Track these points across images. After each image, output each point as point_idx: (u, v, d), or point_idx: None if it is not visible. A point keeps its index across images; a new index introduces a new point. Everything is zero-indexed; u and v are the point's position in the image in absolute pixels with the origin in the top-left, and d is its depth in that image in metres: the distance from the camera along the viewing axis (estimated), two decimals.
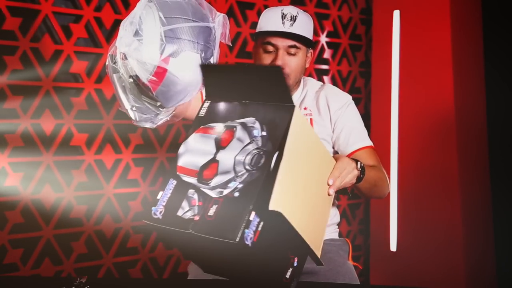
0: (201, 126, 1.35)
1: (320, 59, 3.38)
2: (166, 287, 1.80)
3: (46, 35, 2.52)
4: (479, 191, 3.12)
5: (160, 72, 1.30)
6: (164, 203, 1.27)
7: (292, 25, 1.83)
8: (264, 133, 1.29)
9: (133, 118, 1.39)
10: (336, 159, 1.48)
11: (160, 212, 1.26)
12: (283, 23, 1.83)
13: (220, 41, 1.43)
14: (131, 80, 1.33)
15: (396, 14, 3.27)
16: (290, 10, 1.86)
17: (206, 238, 1.20)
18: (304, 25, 1.86)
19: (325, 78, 3.37)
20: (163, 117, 1.40)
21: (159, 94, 1.33)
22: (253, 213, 1.19)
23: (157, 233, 1.34)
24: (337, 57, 3.42)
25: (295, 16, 1.84)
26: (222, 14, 1.41)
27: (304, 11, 1.91)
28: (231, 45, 1.47)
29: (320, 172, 1.41)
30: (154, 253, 2.84)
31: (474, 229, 3.06)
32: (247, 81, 1.35)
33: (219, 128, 1.32)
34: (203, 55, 1.36)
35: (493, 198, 3.17)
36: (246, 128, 1.30)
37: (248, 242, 1.18)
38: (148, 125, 1.40)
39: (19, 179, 2.46)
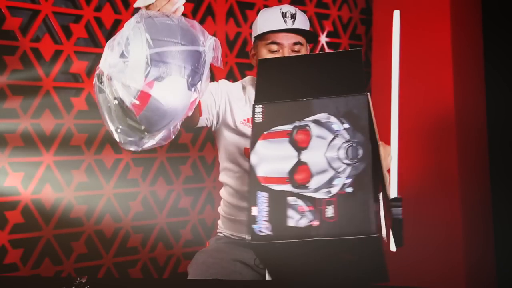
0: (264, 132, 1.30)
1: None
2: (166, 287, 1.80)
3: (46, 35, 2.52)
4: (479, 191, 3.12)
5: (144, 97, 1.26)
6: (266, 218, 1.21)
7: (293, 23, 1.84)
8: (346, 125, 1.25)
9: (118, 140, 1.35)
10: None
11: (267, 228, 1.21)
12: (285, 21, 1.84)
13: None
14: (116, 102, 1.29)
15: (396, 14, 3.26)
16: (288, 8, 1.87)
17: (335, 240, 1.17)
18: (304, 21, 1.89)
19: None
20: (148, 142, 1.37)
21: (143, 118, 1.29)
22: (375, 205, 1.17)
23: (267, 252, 1.26)
24: None
25: (295, 14, 1.86)
26: (214, 38, 1.39)
27: (304, 11, 1.93)
28: (223, 68, 1.46)
29: None
30: (154, 253, 2.84)
31: (474, 229, 3.06)
32: (309, 74, 1.33)
33: (288, 130, 1.28)
34: (190, 80, 1.32)
35: (493, 198, 3.17)
36: (322, 124, 1.26)
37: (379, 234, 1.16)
38: (133, 148, 1.36)
39: (19, 179, 2.46)
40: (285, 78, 1.35)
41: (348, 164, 1.21)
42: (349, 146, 1.23)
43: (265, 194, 1.24)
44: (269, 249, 1.22)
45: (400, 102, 3.24)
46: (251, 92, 1.97)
